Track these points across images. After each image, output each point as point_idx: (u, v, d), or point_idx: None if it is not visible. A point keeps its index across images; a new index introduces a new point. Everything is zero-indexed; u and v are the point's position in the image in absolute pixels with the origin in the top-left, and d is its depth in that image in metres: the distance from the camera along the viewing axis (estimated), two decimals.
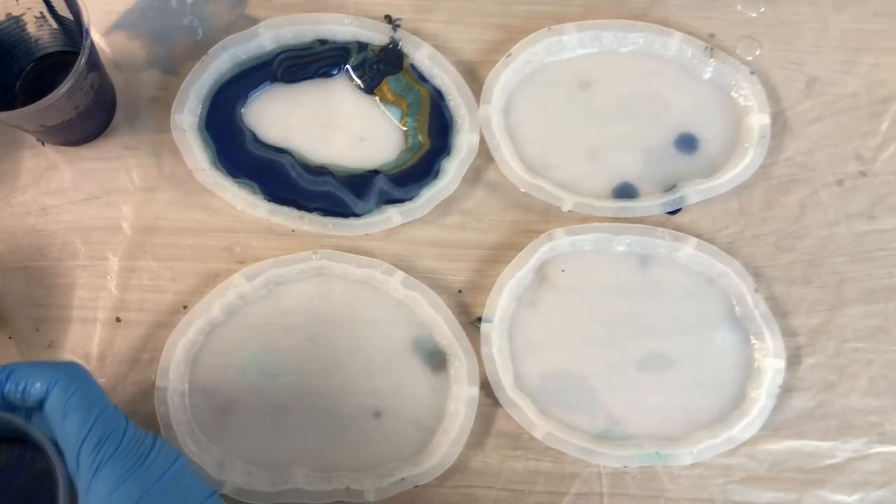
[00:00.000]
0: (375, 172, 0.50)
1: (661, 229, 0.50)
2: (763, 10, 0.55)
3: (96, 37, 0.51)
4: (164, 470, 0.36)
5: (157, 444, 0.36)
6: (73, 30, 0.47)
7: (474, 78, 0.52)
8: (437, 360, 0.48)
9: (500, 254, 0.50)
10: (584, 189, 0.51)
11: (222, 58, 0.50)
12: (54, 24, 0.47)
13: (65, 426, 0.35)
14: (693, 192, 0.51)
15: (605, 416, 0.48)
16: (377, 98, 0.52)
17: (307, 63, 0.52)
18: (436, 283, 0.49)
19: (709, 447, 0.47)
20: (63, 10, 0.45)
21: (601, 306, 0.50)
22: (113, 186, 0.49)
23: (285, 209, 0.49)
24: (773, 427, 0.48)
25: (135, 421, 0.46)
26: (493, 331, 0.48)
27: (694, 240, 0.50)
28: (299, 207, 0.49)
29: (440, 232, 0.50)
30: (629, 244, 0.50)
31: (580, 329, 0.49)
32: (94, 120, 0.48)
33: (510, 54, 0.52)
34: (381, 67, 0.52)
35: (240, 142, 0.50)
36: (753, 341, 0.49)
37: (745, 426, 0.47)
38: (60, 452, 0.36)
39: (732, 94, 0.53)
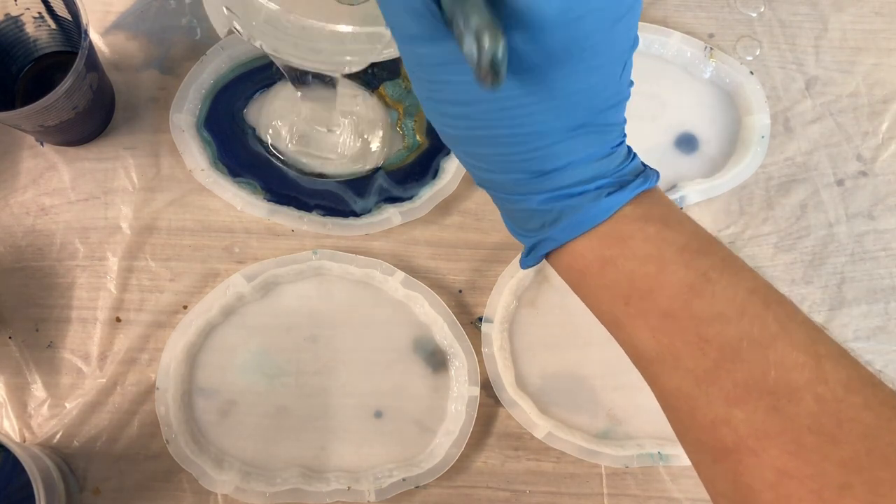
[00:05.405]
0: (375, 169, 0.50)
1: None
2: (762, 10, 0.55)
3: (95, 37, 0.51)
4: None
5: None
6: (71, 30, 0.46)
7: None
8: (437, 360, 0.48)
9: (500, 254, 0.50)
10: None
11: (221, 58, 0.50)
12: (53, 25, 0.46)
13: None
14: (693, 192, 0.50)
15: (607, 416, 0.48)
16: None
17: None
18: (436, 283, 0.49)
19: None
20: (61, 11, 0.45)
21: None
22: (112, 186, 0.49)
23: (285, 209, 0.49)
24: None
25: (135, 421, 0.46)
26: (493, 331, 0.48)
27: None
28: (300, 205, 0.49)
29: (440, 232, 0.50)
30: None
31: (581, 329, 0.49)
32: (93, 120, 0.48)
33: None
34: (377, 72, 0.52)
35: (241, 140, 0.50)
36: None
37: None
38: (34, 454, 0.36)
39: (732, 94, 0.53)
